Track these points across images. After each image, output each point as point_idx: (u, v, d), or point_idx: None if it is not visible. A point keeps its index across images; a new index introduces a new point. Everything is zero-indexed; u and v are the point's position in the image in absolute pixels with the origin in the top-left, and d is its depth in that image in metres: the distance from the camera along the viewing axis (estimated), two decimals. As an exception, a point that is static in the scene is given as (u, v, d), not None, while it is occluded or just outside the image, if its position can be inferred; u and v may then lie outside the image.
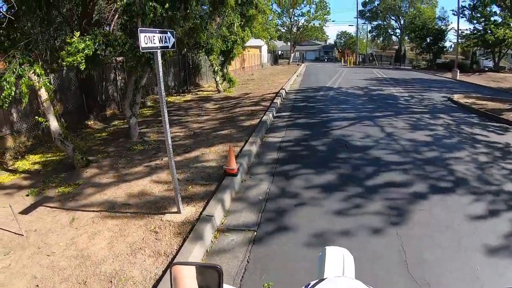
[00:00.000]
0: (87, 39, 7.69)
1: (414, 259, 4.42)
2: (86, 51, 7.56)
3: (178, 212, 5.61)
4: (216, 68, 19.66)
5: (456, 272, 4.17)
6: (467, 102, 16.49)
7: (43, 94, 7.20)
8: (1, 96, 6.48)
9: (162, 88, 5.16)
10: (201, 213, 5.54)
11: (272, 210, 5.96)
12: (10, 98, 6.68)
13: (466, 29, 44.25)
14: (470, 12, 41.45)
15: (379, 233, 5.13)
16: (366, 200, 6.20)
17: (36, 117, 7.68)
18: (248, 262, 4.53)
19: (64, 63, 7.58)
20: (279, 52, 76.17)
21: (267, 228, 5.36)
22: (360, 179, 7.19)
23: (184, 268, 1.43)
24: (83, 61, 7.60)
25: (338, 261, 2.03)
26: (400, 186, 6.78)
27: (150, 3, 8.06)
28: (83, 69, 7.71)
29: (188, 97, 19.32)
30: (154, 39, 4.88)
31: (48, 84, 7.18)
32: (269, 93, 19.62)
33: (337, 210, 5.89)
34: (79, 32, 7.69)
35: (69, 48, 7.38)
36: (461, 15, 40.01)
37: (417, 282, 3.98)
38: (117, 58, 13.76)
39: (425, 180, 7.07)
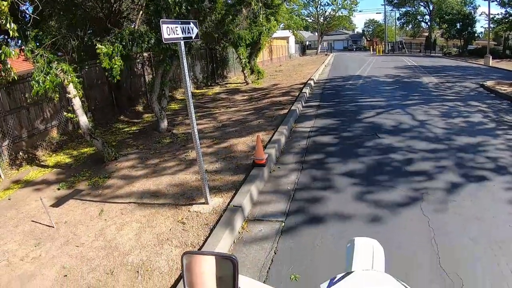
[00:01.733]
0: (115, 41, 7.73)
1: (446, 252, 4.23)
2: (118, 64, 7.63)
3: (206, 203, 5.57)
4: (243, 60, 19.62)
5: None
6: (501, 89, 15.81)
7: (72, 90, 7.29)
8: (31, 94, 6.61)
9: (188, 79, 5.11)
10: (228, 204, 5.47)
11: (301, 200, 5.82)
12: (39, 95, 6.80)
13: (498, 14, 42.63)
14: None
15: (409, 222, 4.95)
16: (395, 189, 5.98)
17: (65, 113, 7.80)
18: (275, 253, 4.42)
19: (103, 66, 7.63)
20: (307, 43, 75.62)
21: (296, 219, 5.24)
22: (390, 169, 6.94)
23: (196, 258, 1.35)
24: (119, 72, 7.73)
25: (367, 253, 1.90)
26: (431, 175, 6.51)
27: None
28: (118, 78, 7.85)
29: (217, 89, 19.34)
30: (176, 30, 4.84)
31: (76, 80, 7.25)
32: (297, 84, 19.41)
33: (367, 200, 5.68)
34: (104, 40, 7.77)
35: (102, 58, 7.45)
36: (491, -1, 38.53)
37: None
38: (144, 54, 13.89)
39: (460, 168, 6.77)
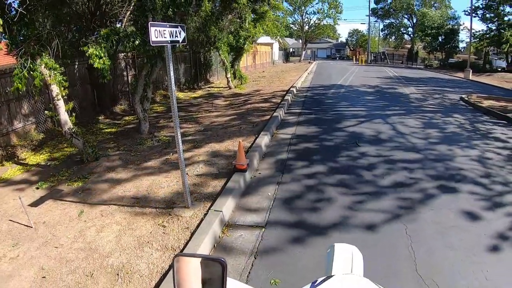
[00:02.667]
0: (101, 42, 7.70)
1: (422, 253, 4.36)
2: (107, 63, 7.61)
3: (187, 206, 5.59)
4: (227, 65, 19.67)
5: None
6: (479, 102, 16.24)
7: (54, 88, 7.21)
8: (11, 90, 6.53)
9: (173, 83, 5.13)
10: (209, 208, 5.51)
11: (281, 206, 5.90)
12: (20, 92, 6.74)
13: (480, 30, 43.72)
14: (483, 12, 40.90)
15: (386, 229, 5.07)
16: (374, 197, 6.12)
17: (46, 111, 7.72)
18: (255, 258, 4.48)
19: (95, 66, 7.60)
20: (291, 50, 75.99)
21: (276, 225, 5.31)
22: (369, 177, 7.09)
23: (187, 260, 1.39)
24: (109, 72, 7.73)
25: (347, 258, 1.99)
26: (409, 185, 6.69)
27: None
28: (108, 78, 7.83)
29: (199, 93, 19.31)
30: (164, 33, 4.86)
31: (60, 78, 7.18)
32: (280, 90, 19.55)
33: (347, 207, 5.81)
34: (89, 40, 7.74)
35: (94, 59, 7.43)
36: (474, 14, 39.52)
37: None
38: (128, 54, 13.82)
39: (435, 179, 6.96)
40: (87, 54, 7.42)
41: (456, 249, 4.51)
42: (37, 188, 6.64)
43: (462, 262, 4.25)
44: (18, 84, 6.56)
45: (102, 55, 7.54)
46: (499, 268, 4.13)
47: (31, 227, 5.13)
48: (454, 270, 4.09)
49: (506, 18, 38.86)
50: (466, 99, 17.20)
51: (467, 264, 4.21)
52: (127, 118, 12.86)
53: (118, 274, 4.03)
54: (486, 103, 16.04)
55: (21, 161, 8.32)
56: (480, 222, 5.26)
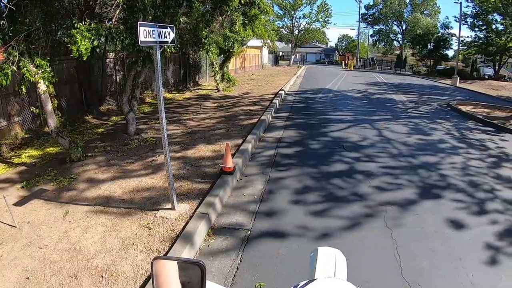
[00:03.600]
0: (92, 28, 7.59)
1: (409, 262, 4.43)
2: (90, 43, 7.43)
3: (173, 208, 5.60)
4: (216, 67, 19.66)
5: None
6: (466, 109, 16.53)
7: (42, 86, 7.15)
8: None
9: (161, 84, 5.15)
10: (195, 211, 5.53)
11: (267, 209, 5.96)
12: (5, 87, 6.67)
13: (468, 36, 44.46)
14: (472, 20, 41.53)
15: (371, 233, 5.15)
16: (359, 202, 6.21)
17: (33, 108, 7.66)
18: (241, 261, 4.52)
19: (73, 54, 7.43)
20: (280, 53, 76.20)
21: (261, 227, 5.36)
22: (355, 181, 7.19)
23: (166, 263, 1.41)
24: (89, 50, 7.49)
25: (330, 262, 2.02)
26: (394, 189, 6.80)
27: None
28: (85, 58, 7.58)
29: (187, 94, 19.28)
30: (153, 34, 4.87)
31: (48, 76, 7.13)
32: (268, 93, 19.62)
33: (332, 211, 5.89)
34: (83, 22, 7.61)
35: (77, 37, 7.24)
36: (463, 22, 40.11)
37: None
38: (117, 54, 13.75)
39: (419, 184, 7.09)
40: (71, 32, 7.22)
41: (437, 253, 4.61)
42: (22, 188, 6.59)
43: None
44: (3, 81, 6.49)
45: (84, 41, 7.33)
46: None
47: (15, 227, 5.10)
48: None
49: (494, 27, 39.51)
50: (453, 105, 17.48)
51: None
52: (114, 118, 12.79)
53: (102, 276, 4.02)
54: (472, 110, 16.33)
55: (6, 160, 8.23)
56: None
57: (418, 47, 53.72)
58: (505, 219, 5.71)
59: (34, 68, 6.94)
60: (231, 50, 19.95)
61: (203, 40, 15.17)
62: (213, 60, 18.94)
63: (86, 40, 7.27)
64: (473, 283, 4.07)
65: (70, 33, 7.37)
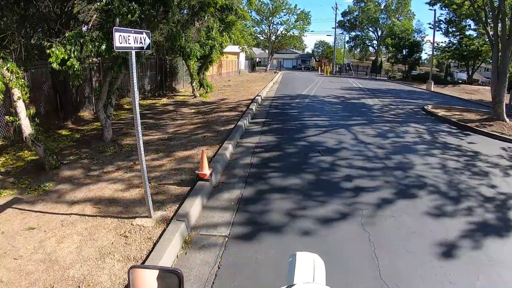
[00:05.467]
0: (66, 43, 7.58)
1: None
2: (77, 67, 7.53)
3: (149, 216, 5.61)
4: (193, 73, 19.65)
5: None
6: (440, 112, 17.01)
7: (16, 92, 7.06)
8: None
9: (136, 89, 5.14)
10: (172, 218, 5.56)
11: (245, 215, 6.05)
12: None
13: (442, 42, 45.62)
14: (446, 26, 42.58)
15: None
16: (335, 205, 6.37)
17: (7, 116, 7.54)
18: (219, 268, 4.57)
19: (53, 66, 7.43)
20: (257, 59, 76.38)
21: (239, 234, 5.43)
22: (332, 185, 7.39)
23: (142, 272, 1.43)
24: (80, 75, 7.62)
25: (309, 267, 2.06)
26: (370, 191, 7.03)
27: (129, 4, 8.06)
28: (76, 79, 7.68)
29: (164, 101, 19.18)
30: (129, 39, 4.87)
31: (22, 82, 7.05)
32: (245, 99, 19.71)
33: (310, 215, 6.05)
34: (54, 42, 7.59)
35: (53, 58, 7.28)
36: (437, 28, 41.08)
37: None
38: (93, 59, 13.60)
39: (394, 186, 7.33)
40: (47, 51, 7.26)
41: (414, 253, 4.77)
42: (-5, 197, 6.49)
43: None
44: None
45: (67, 56, 7.41)
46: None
47: (-11, 237, 5.03)
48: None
49: (467, 33, 40.67)
50: (427, 109, 17.98)
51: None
52: (90, 125, 12.64)
53: (79, 287, 4.02)
54: (445, 113, 16.83)
55: (-22, 168, 8.08)
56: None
57: (391, 49, 54.72)
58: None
59: (8, 73, 6.85)
60: (210, 56, 19.97)
61: (180, 47, 15.18)
62: (191, 67, 18.95)
63: (62, 50, 7.30)
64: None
65: (46, 45, 7.34)
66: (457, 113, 17.33)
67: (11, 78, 6.88)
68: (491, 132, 13.05)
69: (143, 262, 4.45)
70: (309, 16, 62.36)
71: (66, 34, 7.89)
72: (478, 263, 4.73)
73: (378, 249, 4.96)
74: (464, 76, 44.44)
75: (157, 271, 1.43)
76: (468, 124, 13.89)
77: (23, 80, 7.10)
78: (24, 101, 7.24)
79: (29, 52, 9.24)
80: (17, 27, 8.53)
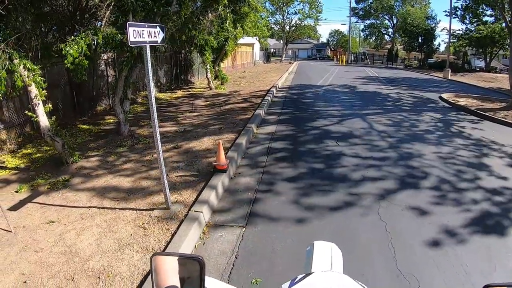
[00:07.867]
0: (79, 43, 7.66)
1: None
2: (83, 63, 7.62)
3: (167, 208, 5.63)
4: (208, 65, 19.67)
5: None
6: (458, 101, 16.67)
7: (33, 89, 7.15)
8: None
9: (151, 83, 5.15)
10: (189, 209, 5.56)
11: (261, 206, 6.00)
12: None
13: (459, 29, 44.64)
14: (462, 13, 41.68)
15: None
16: (353, 195, 6.28)
17: (27, 111, 7.64)
18: (236, 258, 4.56)
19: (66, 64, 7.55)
20: (272, 50, 76.19)
21: (256, 224, 5.40)
22: (351, 174, 7.30)
23: (165, 259, 1.42)
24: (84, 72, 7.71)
25: (326, 255, 2.05)
26: (388, 182, 6.90)
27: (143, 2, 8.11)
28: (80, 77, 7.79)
29: (180, 93, 19.26)
30: (143, 34, 4.86)
31: (39, 80, 7.14)
32: (260, 90, 19.65)
33: (330, 203, 6.01)
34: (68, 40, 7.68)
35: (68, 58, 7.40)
36: (453, 15, 40.26)
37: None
38: (108, 54, 13.71)
39: (414, 177, 7.18)
40: (63, 52, 7.37)
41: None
42: (17, 192, 6.58)
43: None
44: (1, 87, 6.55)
45: (77, 54, 7.50)
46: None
47: (11, 232, 5.10)
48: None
49: (484, 19, 39.74)
50: (445, 98, 17.61)
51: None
52: (107, 119, 12.76)
53: (99, 278, 4.05)
54: (464, 102, 16.47)
55: (-1, 164, 8.23)
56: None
57: (405, 38, 53.99)
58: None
59: (25, 72, 6.94)
60: (225, 48, 19.95)
61: (195, 40, 15.19)
62: (205, 59, 18.96)
63: (80, 58, 7.44)
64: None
65: (61, 46, 7.46)
66: (475, 101, 16.97)
67: (28, 76, 6.97)
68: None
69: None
70: (321, 4, 61.94)
71: (81, 32, 7.96)
72: (496, 253, 4.61)
73: (394, 239, 4.88)
74: (482, 63, 43.36)
75: (179, 258, 1.41)
76: (487, 113, 13.51)
77: (40, 77, 7.17)
78: (41, 97, 7.32)
79: (46, 50, 9.34)
80: (32, 26, 8.61)
